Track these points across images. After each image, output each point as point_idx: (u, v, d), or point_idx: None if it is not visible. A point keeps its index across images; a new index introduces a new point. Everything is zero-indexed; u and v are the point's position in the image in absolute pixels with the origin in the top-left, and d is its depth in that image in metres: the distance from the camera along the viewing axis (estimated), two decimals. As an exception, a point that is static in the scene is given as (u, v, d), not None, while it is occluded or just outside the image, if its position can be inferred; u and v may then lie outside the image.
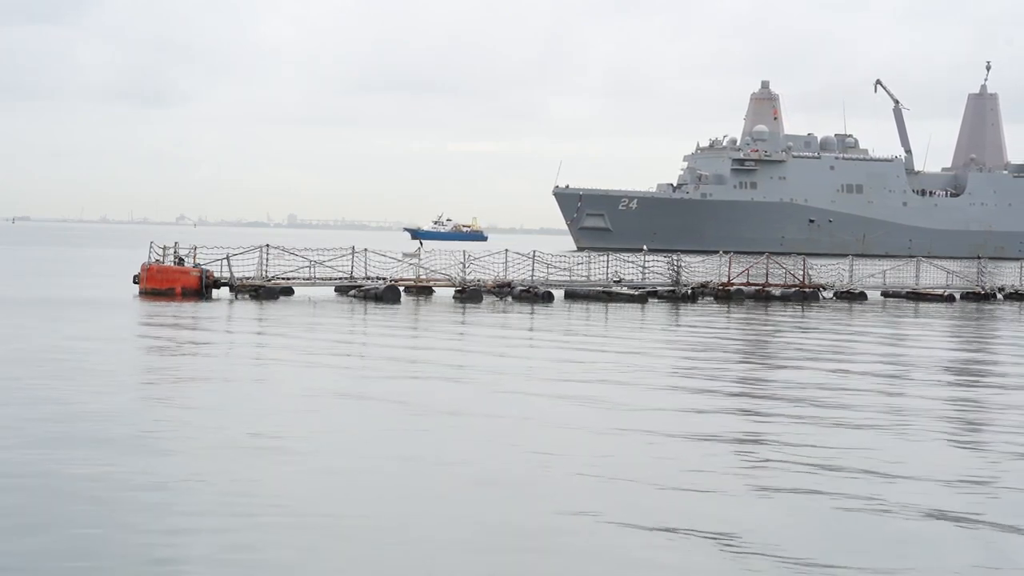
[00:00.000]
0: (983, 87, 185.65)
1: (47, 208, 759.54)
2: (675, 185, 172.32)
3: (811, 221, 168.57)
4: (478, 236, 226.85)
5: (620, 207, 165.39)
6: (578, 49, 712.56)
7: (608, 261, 60.36)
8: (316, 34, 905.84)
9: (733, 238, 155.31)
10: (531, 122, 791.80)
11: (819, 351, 35.00)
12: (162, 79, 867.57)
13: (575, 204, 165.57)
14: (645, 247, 69.79)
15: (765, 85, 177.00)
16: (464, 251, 58.01)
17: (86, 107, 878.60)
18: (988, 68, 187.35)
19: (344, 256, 55.60)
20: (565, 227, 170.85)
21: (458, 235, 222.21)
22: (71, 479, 15.15)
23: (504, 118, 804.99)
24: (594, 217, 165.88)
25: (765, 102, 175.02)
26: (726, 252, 66.67)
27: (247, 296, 51.39)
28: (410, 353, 32.12)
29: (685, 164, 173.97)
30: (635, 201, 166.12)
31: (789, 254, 66.99)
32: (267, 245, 54.57)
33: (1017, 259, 73.03)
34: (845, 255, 74.91)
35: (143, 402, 21.85)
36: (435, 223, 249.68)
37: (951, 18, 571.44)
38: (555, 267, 59.91)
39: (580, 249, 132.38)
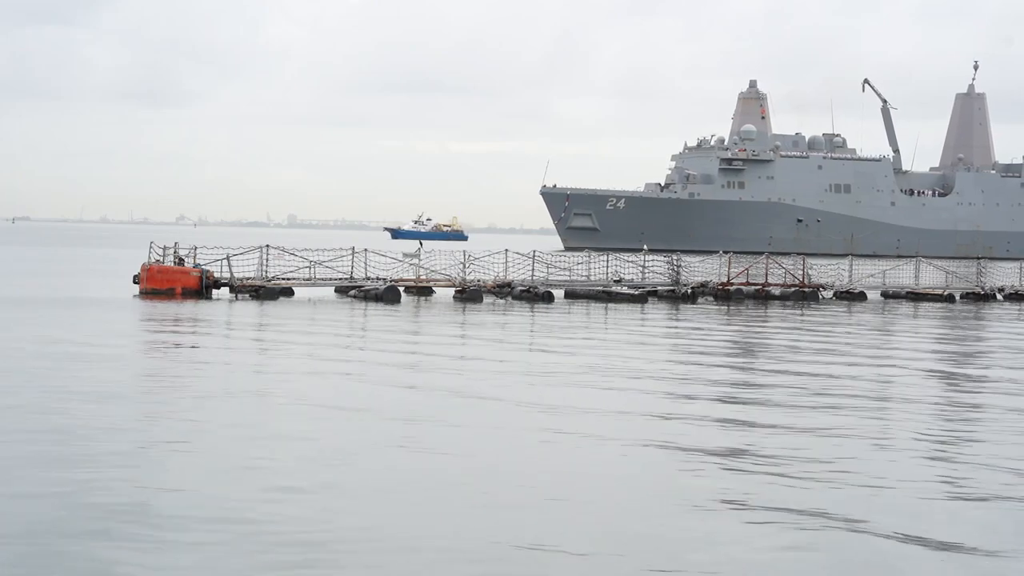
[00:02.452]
0: (971, 87, 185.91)
1: (47, 208, 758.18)
2: (663, 185, 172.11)
3: (799, 221, 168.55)
4: (458, 236, 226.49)
5: (608, 207, 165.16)
6: (585, 51, 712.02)
7: (608, 261, 60.20)
8: (324, 35, 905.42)
9: (721, 238, 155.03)
10: (537, 123, 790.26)
11: (816, 351, 34.87)
12: (169, 80, 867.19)
13: (562, 204, 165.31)
14: (645, 247, 69.63)
15: (753, 84, 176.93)
16: (464, 251, 57.84)
17: (92, 107, 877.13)
18: (976, 68, 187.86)
19: (344, 256, 55.35)
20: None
21: (438, 235, 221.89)
22: (70, 482, 15.04)
23: (508, 118, 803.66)
24: (582, 217, 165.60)
25: (753, 101, 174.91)
26: (725, 252, 66.42)
27: (247, 296, 51.23)
28: (411, 353, 32.04)
29: (673, 164, 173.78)
30: (622, 201, 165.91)
31: (779, 254, 66.74)
32: (267, 245, 54.37)
33: (1002, 259, 72.84)
34: (832, 255, 74.86)
35: (142, 403, 21.66)
36: (415, 222, 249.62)
37: (940, 19, 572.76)
38: (555, 267, 59.75)
39: (567, 249, 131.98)
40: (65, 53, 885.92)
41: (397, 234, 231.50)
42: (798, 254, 70.97)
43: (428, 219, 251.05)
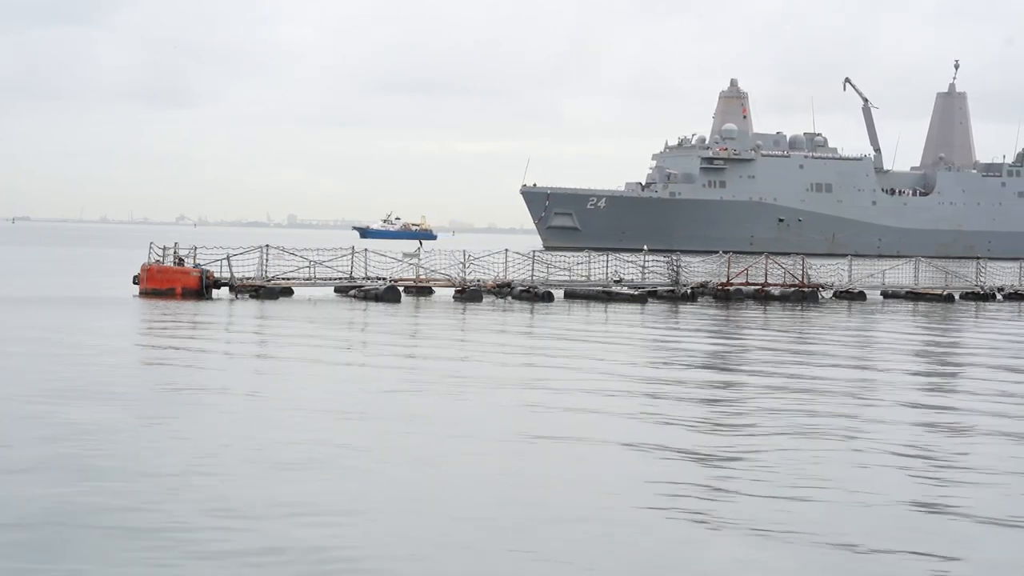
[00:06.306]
0: (951, 86, 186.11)
1: (47, 208, 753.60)
2: (644, 184, 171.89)
3: (780, 220, 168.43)
4: (427, 235, 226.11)
5: (588, 206, 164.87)
6: (592, 52, 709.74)
7: (608, 261, 59.90)
8: (329, 36, 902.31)
9: (702, 237, 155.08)
10: (539, 123, 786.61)
11: (812, 353, 34.61)
12: (171, 81, 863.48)
13: (543, 203, 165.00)
14: (646, 247, 69.34)
15: (734, 83, 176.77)
16: (464, 251, 57.46)
17: (94, 107, 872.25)
18: (956, 67, 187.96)
19: (344, 256, 54.97)
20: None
21: (407, 234, 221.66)
22: (71, 483, 14.96)
23: (511, 119, 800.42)
24: (562, 216, 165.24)
25: (734, 100, 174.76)
26: (725, 252, 66.06)
27: (247, 296, 50.93)
28: (410, 352, 31.99)
29: (654, 163, 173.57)
30: (603, 200, 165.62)
31: (761, 254, 66.46)
32: (267, 245, 54.01)
33: (982, 259, 72.69)
34: (814, 254, 74.77)
35: (141, 405, 21.39)
36: (384, 221, 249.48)
37: (929, 19, 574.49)
38: (555, 267, 59.46)
39: (547, 248, 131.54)
40: (68, 54, 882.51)
41: (366, 233, 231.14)
42: (786, 254, 70.64)
43: (397, 218, 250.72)
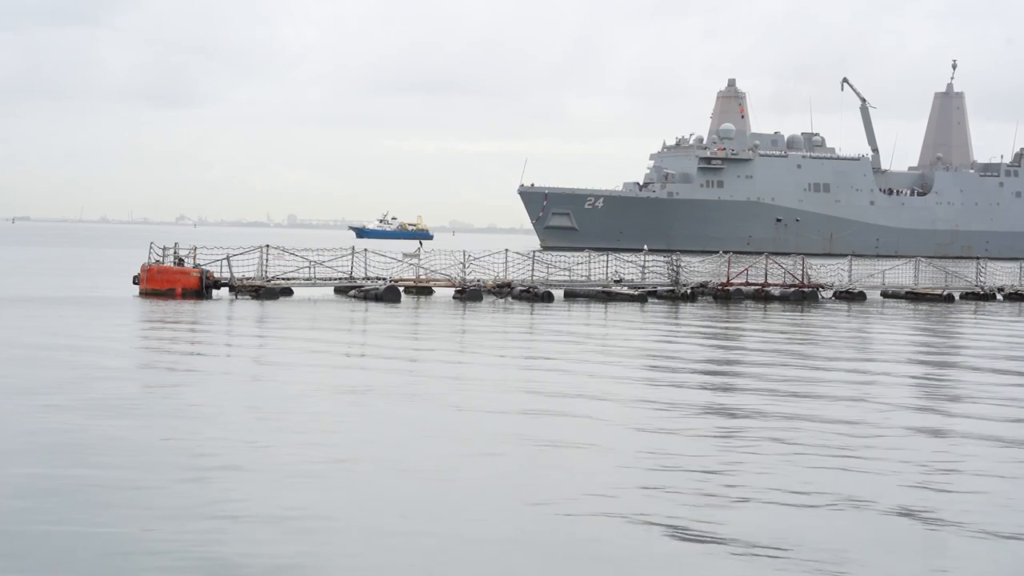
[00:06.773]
0: (949, 86, 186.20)
1: (47, 208, 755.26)
2: (641, 184, 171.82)
3: (778, 220, 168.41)
4: (423, 235, 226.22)
5: (586, 206, 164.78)
6: (598, 52, 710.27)
7: (608, 261, 59.88)
8: (333, 37, 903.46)
9: (699, 237, 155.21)
10: (543, 123, 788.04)
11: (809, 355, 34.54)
12: (176, 81, 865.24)
13: (540, 203, 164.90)
14: (646, 247, 69.32)
15: (732, 83, 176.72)
16: (464, 251, 57.44)
17: (96, 108, 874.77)
18: (954, 67, 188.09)
19: (344, 256, 54.91)
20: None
21: (403, 233, 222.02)
22: (65, 483, 14.97)
23: (515, 119, 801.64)
24: (560, 216, 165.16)
25: (732, 100, 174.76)
26: (725, 252, 66.01)
27: (247, 296, 50.86)
28: (410, 355, 31.83)
29: (652, 163, 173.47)
30: (601, 200, 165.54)
31: (758, 254, 66.51)
32: (267, 245, 53.93)
33: (978, 259, 72.64)
34: (811, 254, 74.81)
35: (140, 406, 21.30)
36: (380, 221, 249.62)
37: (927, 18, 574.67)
38: (555, 267, 59.43)
39: (545, 248, 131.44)
40: (72, 53, 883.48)
41: (362, 233, 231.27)
42: (784, 254, 70.58)
43: (393, 218, 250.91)
